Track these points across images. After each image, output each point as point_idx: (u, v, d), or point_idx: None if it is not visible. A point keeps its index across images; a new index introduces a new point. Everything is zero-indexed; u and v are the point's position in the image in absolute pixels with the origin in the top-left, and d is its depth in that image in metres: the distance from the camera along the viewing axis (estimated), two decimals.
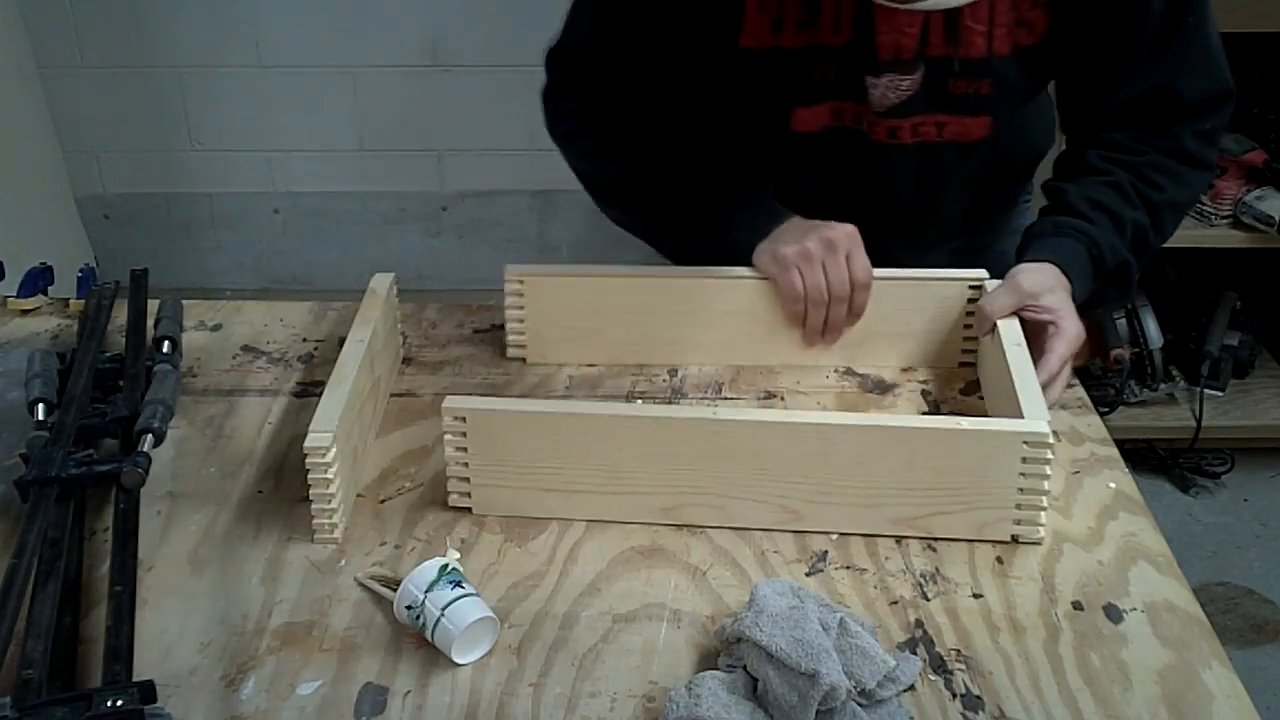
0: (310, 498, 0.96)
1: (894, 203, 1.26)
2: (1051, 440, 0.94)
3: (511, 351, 1.24)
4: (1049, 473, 0.94)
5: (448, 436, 0.98)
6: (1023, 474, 0.95)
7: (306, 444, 0.94)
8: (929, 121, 1.19)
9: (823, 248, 1.14)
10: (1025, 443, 0.94)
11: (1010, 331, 1.10)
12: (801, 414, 0.97)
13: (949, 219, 1.32)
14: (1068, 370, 1.11)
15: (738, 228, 1.20)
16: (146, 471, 0.97)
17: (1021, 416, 0.97)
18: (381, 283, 1.20)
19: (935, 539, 0.97)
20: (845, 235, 1.15)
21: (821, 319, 1.17)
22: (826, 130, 1.21)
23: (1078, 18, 1.14)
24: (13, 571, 0.85)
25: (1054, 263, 1.13)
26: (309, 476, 0.95)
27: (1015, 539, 0.97)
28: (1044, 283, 1.12)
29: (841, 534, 0.98)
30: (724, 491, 0.97)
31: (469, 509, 1.01)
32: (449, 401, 0.98)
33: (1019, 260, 1.16)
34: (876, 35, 1.13)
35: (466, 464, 0.99)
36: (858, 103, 1.18)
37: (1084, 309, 1.14)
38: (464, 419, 0.97)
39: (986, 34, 1.13)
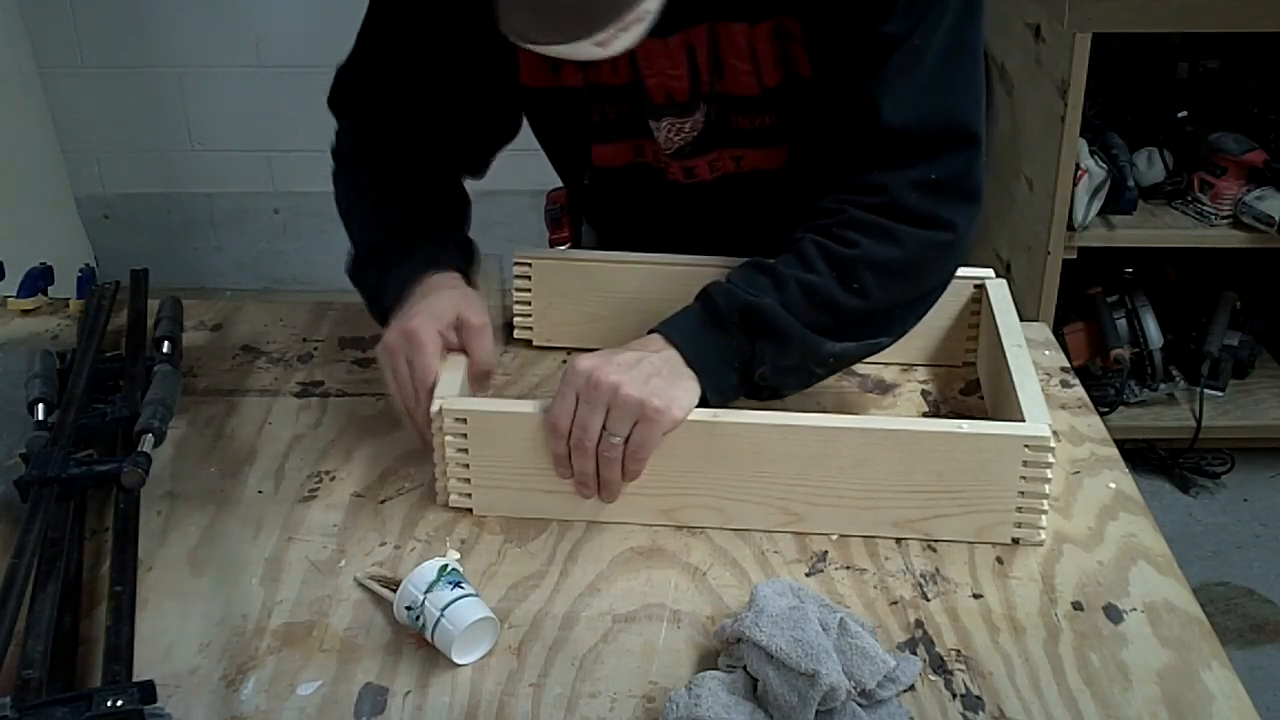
0: (435, 461, 1.00)
1: (704, 237, 1.21)
2: (1053, 444, 0.93)
3: (518, 334, 1.24)
4: (1050, 476, 0.94)
5: (448, 437, 0.98)
6: (1024, 477, 0.94)
7: (432, 410, 0.97)
8: (725, 156, 1.15)
9: (404, 340, 1.02)
10: (1026, 446, 0.93)
11: (1011, 332, 1.10)
12: (801, 416, 0.97)
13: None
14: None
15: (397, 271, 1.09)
16: (146, 471, 0.97)
17: (1022, 418, 0.97)
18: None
19: (935, 540, 0.97)
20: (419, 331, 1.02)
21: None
22: (628, 166, 1.19)
23: (832, 56, 1.05)
24: (13, 571, 0.85)
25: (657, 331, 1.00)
26: (435, 440, 0.98)
27: (1016, 542, 0.97)
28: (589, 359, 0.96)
29: (842, 535, 0.98)
30: (723, 493, 0.97)
31: (469, 509, 1.01)
32: (449, 402, 0.98)
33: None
34: (645, 80, 1.09)
35: (467, 464, 0.99)
36: (653, 141, 1.15)
37: (753, 378, 1.00)
38: (464, 419, 0.97)
39: (753, 71, 1.08)
